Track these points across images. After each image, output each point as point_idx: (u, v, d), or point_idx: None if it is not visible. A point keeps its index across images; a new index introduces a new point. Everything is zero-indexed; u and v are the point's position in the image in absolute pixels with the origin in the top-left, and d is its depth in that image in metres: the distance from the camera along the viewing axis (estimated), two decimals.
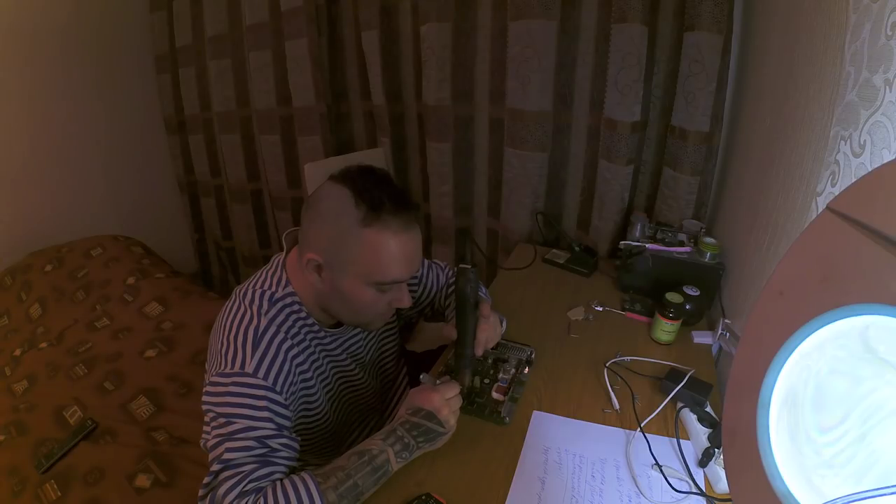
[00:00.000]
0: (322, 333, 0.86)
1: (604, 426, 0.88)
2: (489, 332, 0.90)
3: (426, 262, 1.08)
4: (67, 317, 1.68)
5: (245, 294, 0.80)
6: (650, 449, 0.83)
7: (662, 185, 1.38)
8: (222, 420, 0.70)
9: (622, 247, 1.25)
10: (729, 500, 0.74)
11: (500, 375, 0.98)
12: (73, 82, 2.07)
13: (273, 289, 0.81)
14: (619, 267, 1.29)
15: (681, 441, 0.84)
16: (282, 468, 0.71)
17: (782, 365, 0.37)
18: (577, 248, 1.41)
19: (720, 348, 1.07)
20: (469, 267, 0.83)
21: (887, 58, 0.58)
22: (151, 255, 2.04)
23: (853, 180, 0.43)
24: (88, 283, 1.80)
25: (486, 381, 0.97)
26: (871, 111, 0.61)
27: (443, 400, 0.78)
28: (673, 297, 1.06)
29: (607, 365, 1.02)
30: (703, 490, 0.76)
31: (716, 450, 0.79)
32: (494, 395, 0.94)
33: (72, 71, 2.06)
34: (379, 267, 0.76)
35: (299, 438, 0.76)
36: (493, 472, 0.80)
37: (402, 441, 0.75)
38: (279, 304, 0.80)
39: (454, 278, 1.11)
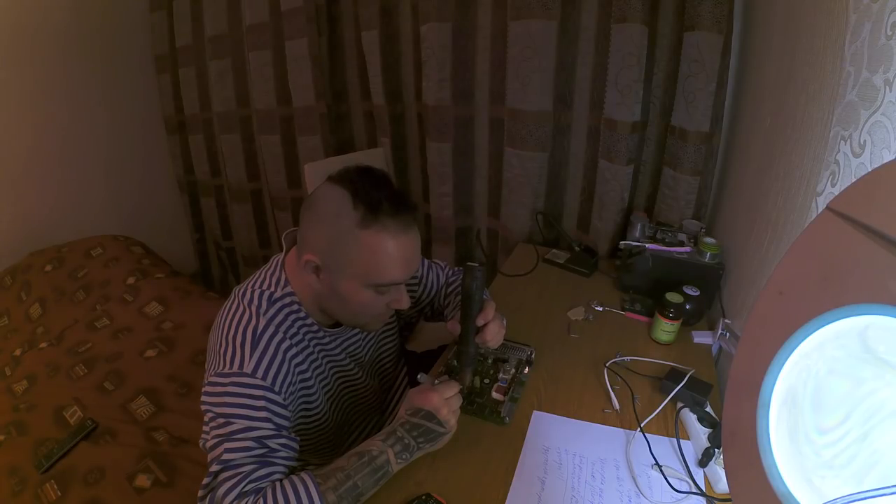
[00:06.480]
0: (321, 334, 0.86)
1: (604, 426, 0.88)
2: (496, 328, 0.91)
3: (426, 261, 1.08)
4: (67, 317, 1.67)
5: (244, 294, 0.80)
6: (650, 449, 0.83)
7: (662, 185, 1.38)
8: (221, 420, 0.70)
9: (622, 247, 1.25)
10: (729, 500, 0.74)
11: (500, 375, 0.98)
12: (74, 82, 2.07)
13: (272, 289, 0.81)
14: (619, 267, 1.29)
15: (681, 441, 0.84)
16: (281, 468, 0.71)
17: (782, 365, 0.37)
18: (577, 248, 1.41)
19: (720, 348, 1.07)
20: (476, 265, 0.84)
21: (887, 58, 0.58)
22: (151, 255, 2.03)
23: (853, 180, 0.42)
24: (88, 283, 1.79)
25: (486, 381, 0.97)
26: (871, 111, 0.61)
27: (442, 399, 0.77)
28: (673, 297, 1.06)
29: (607, 365, 1.02)
30: (703, 490, 0.76)
31: (716, 450, 0.79)
32: (494, 395, 0.94)
33: (72, 71, 2.05)
34: (377, 269, 0.76)
35: (299, 438, 0.76)
36: (493, 472, 0.80)
37: (402, 442, 0.75)
38: (278, 305, 0.80)
39: (455, 277, 1.11)
